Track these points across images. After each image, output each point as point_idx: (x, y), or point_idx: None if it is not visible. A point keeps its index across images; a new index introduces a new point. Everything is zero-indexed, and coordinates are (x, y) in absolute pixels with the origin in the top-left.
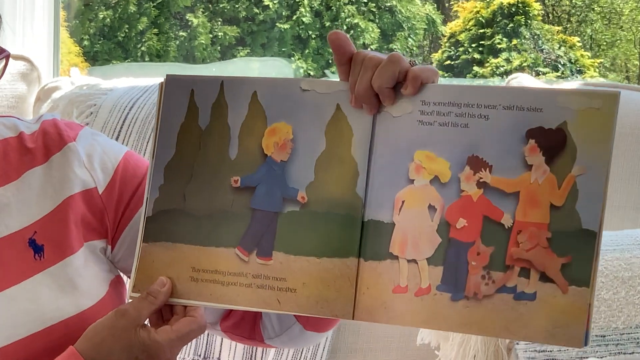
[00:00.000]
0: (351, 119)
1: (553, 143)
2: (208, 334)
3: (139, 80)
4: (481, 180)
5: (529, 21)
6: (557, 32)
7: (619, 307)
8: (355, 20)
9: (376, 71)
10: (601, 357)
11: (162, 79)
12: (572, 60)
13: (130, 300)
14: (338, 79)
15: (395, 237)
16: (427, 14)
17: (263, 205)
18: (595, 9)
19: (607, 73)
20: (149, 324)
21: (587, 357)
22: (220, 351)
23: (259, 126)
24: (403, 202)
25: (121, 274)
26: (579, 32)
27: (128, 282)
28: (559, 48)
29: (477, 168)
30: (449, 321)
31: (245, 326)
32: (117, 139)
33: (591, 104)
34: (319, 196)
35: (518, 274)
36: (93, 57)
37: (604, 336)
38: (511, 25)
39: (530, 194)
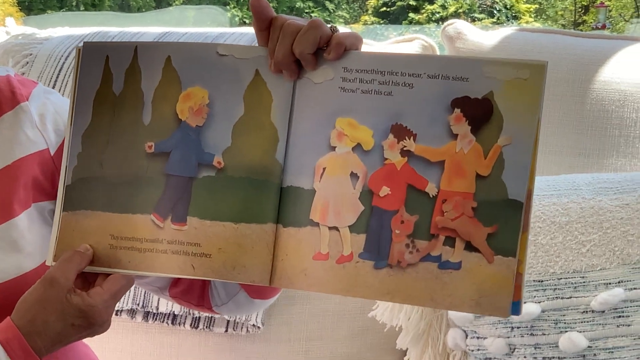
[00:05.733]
0: (271, 84)
1: (479, 112)
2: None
3: (75, 30)
4: (405, 148)
5: None
6: None
7: (556, 252)
8: None
9: (297, 37)
10: (539, 302)
11: (98, 29)
12: (508, 6)
13: (53, 265)
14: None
15: (316, 203)
16: None
17: (177, 171)
18: None
19: (542, 19)
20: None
21: (525, 303)
22: (158, 300)
23: (173, 91)
24: (324, 169)
25: None
26: None
27: None
28: None
29: (401, 136)
30: (372, 289)
31: (194, 293)
32: (53, 87)
33: (518, 75)
34: (236, 161)
35: (443, 242)
36: (28, 7)
37: (542, 281)
38: None
39: (456, 163)
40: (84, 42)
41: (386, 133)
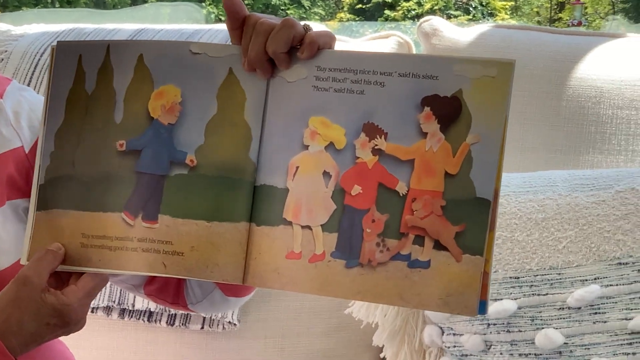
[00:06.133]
0: (244, 83)
1: (448, 111)
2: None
3: (50, 27)
4: (376, 147)
5: None
6: None
7: (532, 249)
8: None
9: (270, 36)
10: (515, 299)
11: (73, 25)
12: (484, 3)
13: (26, 264)
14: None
15: (289, 202)
16: None
17: (149, 169)
18: None
19: (518, 16)
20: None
21: (501, 299)
22: (134, 297)
23: (145, 89)
24: (297, 167)
25: None
26: None
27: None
28: None
29: (373, 135)
30: (344, 288)
31: (169, 291)
32: (28, 84)
33: (486, 73)
34: (209, 160)
35: (412, 241)
36: (3, 4)
37: (518, 278)
38: None
39: (425, 161)
40: (57, 41)
41: (358, 132)
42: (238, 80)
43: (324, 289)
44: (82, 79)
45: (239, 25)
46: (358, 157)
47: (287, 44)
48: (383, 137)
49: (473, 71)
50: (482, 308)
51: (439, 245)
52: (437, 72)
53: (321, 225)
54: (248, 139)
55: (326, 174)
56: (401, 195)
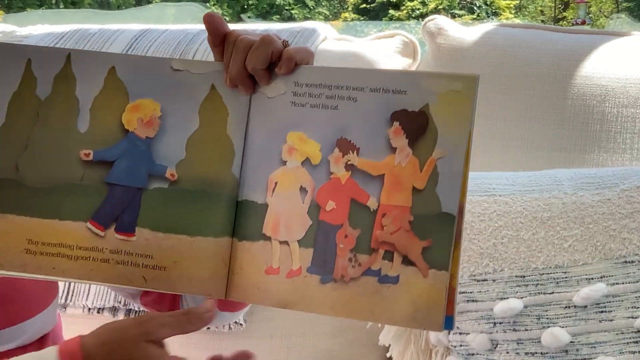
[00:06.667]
0: (226, 99)
1: (416, 126)
2: None
3: (55, 27)
4: (349, 162)
5: None
6: None
7: (538, 248)
8: None
9: (249, 53)
10: (521, 298)
11: (77, 26)
12: (488, 2)
13: (160, 313)
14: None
15: (268, 218)
16: None
17: (123, 181)
18: None
19: (522, 15)
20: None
21: (507, 298)
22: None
23: (118, 101)
24: (276, 183)
25: None
26: None
27: None
28: None
29: (346, 150)
30: (319, 304)
31: (165, 303)
32: None
33: (452, 87)
34: (191, 174)
35: (382, 257)
36: (7, 5)
37: (524, 277)
38: None
39: (394, 176)
40: None
41: (332, 147)
42: (221, 96)
43: (300, 304)
44: (32, 83)
45: (220, 42)
46: (332, 173)
47: (266, 60)
48: (355, 152)
49: (438, 85)
50: (449, 323)
51: (407, 261)
52: (405, 87)
53: (298, 240)
54: (231, 154)
55: (303, 190)
56: (372, 210)
